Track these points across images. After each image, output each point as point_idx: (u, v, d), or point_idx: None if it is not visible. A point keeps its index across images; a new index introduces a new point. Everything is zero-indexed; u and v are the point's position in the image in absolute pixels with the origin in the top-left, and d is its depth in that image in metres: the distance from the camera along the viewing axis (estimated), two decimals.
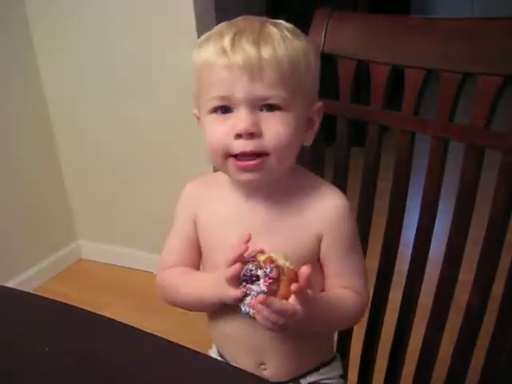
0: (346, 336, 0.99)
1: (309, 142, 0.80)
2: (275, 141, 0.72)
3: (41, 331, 0.75)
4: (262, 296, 0.68)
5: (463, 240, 0.81)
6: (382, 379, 0.95)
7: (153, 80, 1.91)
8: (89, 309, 0.76)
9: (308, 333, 0.81)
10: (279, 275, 0.69)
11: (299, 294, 0.67)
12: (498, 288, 0.78)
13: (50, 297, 0.80)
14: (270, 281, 0.69)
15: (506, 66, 0.73)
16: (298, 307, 0.68)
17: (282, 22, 0.76)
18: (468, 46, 0.76)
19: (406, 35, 0.84)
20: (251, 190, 0.79)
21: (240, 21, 0.75)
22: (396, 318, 0.91)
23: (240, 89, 0.70)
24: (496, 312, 0.78)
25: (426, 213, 0.85)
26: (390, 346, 0.93)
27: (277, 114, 0.72)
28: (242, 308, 0.72)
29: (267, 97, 0.71)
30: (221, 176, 0.82)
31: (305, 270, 0.68)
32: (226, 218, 0.81)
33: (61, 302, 0.78)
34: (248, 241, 0.70)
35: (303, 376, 0.86)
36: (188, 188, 0.87)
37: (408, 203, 0.88)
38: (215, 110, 0.74)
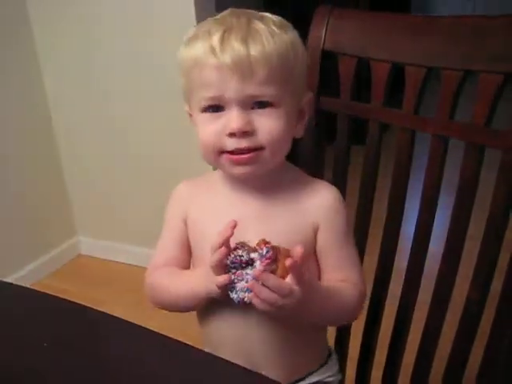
0: (344, 331, 0.99)
1: (300, 134, 0.80)
2: (268, 136, 0.73)
3: (39, 326, 0.75)
4: (258, 270, 0.67)
5: (462, 237, 0.82)
6: (380, 375, 0.96)
7: (153, 79, 1.91)
8: (87, 304, 0.76)
9: (300, 335, 0.81)
10: (276, 255, 0.69)
11: (295, 270, 0.67)
12: (497, 284, 0.78)
13: (49, 292, 0.80)
14: (268, 261, 0.68)
15: (506, 64, 0.73)
16: (295, 287, 0.68)
17: (267, 15, 0.76)
18: (468, 43, 0.76)
19: (407, 33, 0.84)
20: (243, 185, 0.79)
21: (227, 17, 0.75)
22: (395, 314, 0.92)
23: (231, 89, 0.71)
24: (495, 306, 0.78)
25: (425, 209, 0.85)
26: (389, 341, 0.94)
27: (268, 111, 0.73)
28: (235, 296, 0.71)
29: (258, 95, 0.71)
30: (212, 175, 0.83)
31: (298, 249, 0.68)
32: (217, 212, 0.81)
33: (59, 298, 0.78)
34: (234, 227, 0.70)
35: (300, 380, 0.85)
36: (178, 188, 0.87)
37: (408, 200, 0.88)
38: (207, 109, 0.74)
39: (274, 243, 0.70)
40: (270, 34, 0.71)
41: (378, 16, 0.89)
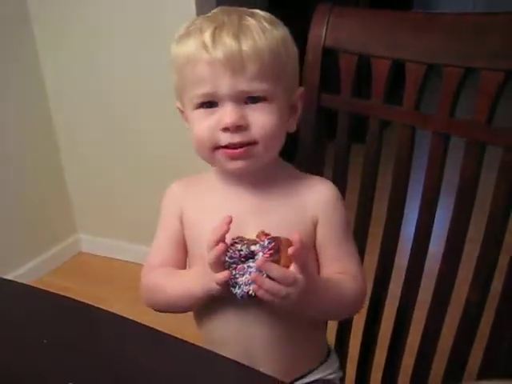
0: (344, 331, 0.99)
1: (293, 128, 0.80)
2: (261, 130, 0.73)
3: (39, 324, 0.75)
4: (262, 260, 0.67)
5: (462, 237, 0.81)
6: (380, 374, 0.95)
7: (154, 79, 1.91)
8: (88, 302, 0.76)
9: (300, 334, 0.81)
10: (279, 246, 0.68)
11: (298, 257, 0.67)
12: (497, 285, 0.78)
13: (50, 290, 0.80)
14: (271, 251, 0.68)
15: (507, 62, 0.73)
16: (299, 275, 0.68)
17: (258, 11, 0.77)
18: (469, 41, 0.76)
19: (408, 30, 0.83)
20: (238, 182, 0.80)
21: (218, 14, 0.75)
22: (395, 314, 0.91)
23: (224, 84, 0.71)
24: (494, 308, 0.78)
25: (425, 209, 0.85)
26: (389, 342, 0.93)
27: (261, 105, 0.73)
28: (238, 291, 0.70)
29: (251, 90, 0.72)
30: (206, 174, 0.83)
31: (296, 236, 0.67)
32: (213, 210, 0.80)
33: (60, 295, 0.78)
34: (229, 223, 0.70)
35: (298, 378, 0.85)
36: (171, 187, 0.87)
37: (408, 200, 0.88)
38: (201, 105, 0.75)
39: (274, 234, 0.70)
40: (261, 30, 0.72)
41: (379, 13, 0.89)
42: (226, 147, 0.74)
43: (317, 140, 0.95)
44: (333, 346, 0.96)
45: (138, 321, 0.71)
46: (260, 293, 0.68)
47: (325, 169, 0.97)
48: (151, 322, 0.70)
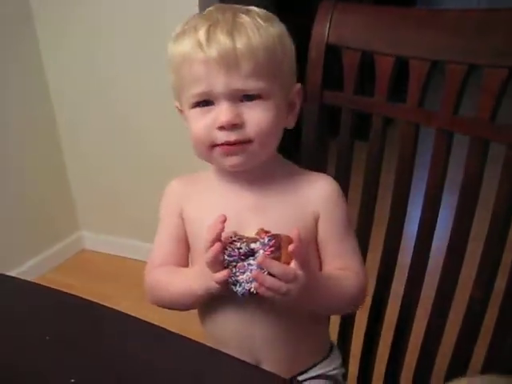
0: (347, 327, 0.99)
1: (291, 124, 0.81)
2: (257, 128, 0.73)
3: (41, 320, 0.75)
4: (262, 257, 0.67)
5: (466, 234, 0.81)
6: (383, 371, 0.95)
7: (155, 78, 1.91)
8: (91, 298, 0.76)
9: (302, 329, 0.81)
10: (279, 243, 0.68)
11: (298, 254, 0.67)
12: (501, 282, 0.78)
13: (53, 287, 0.80)
14: (272, 249, 0.68)
15: (511, 59, 0.72)
16: (300, 271, 0.68)
17: (253, 8, 0.77)
18: (473, 37, 0.76)
19: (411, 26, 0.83)
20: (237, 179, 0.79)
21: (213, 12, 0.75)
22: (398, 311, 0.91)
23: (219, 83, 0.71)
24: (498, 305, 0.78)
25: (429, 206, 0.85)
26: (392, 338, 0.93)
27: (257, 103, 0.73)
28: (239, 289, 0.70)
29: (246, 89, 0.72)
30: (205, 172, 0.83)
31: (295, 231, 0.67)
32: (212, 208, 0.80)
33: (62, 292, 0.78)
34: (224, 221, 0.69)
35: (302, 373, 0.85)
36: (173, 184, 0.87)
37: (411, 198, 0.88)
38: (197, 104, 0.75)
39: (274, 232, 0.69)
40: (255, 27, 0.72)
41: (382, 10, 0.89)
42: (222, 145, 0.74)
43: (319, 137, 0.95)
44: (336, 343, 0.96)
45: (144, 318, 0.71)
46: (261, 290, 0.68)
47: (328, 166, 0.96)
48: (157, 319, 0.70)
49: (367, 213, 0.92)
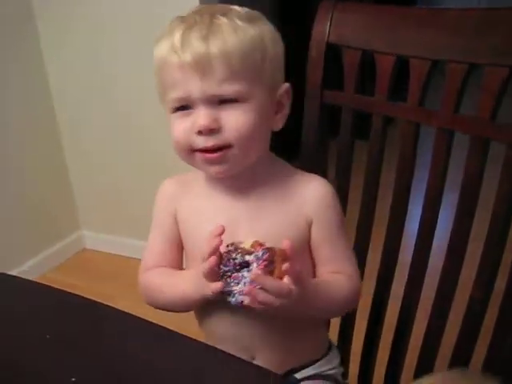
0: (347, 328, 0.99)
1: (278, 126, 0.79)
2: (235, 132, 0.72)
3: (42, 319, 0.75)
4: (255, 273, 0.67)
5: (466, 234, 0.81)
6: (383, 371, 0.95)
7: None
8: (91, 298, 0.76)
9: (299, 329, 0.81)
10: (273, 257, 0.68)
11: (292, 272, 0.67)
12: (501, 282, 0.78)
13: (53, 286, 0.80)
14: (265, 263, 0.68)
15: (511, 58, 0.72)
16: (293, 286, 0.68)
17: (235, 8, 0.75)
18: (474, 36, 0.75)
19: (412, 25, 0.83)
20: (230, 182, 0.79)
21: (191, 14, 0.74)
22: (398, 311, 0.91)
23: (194, 89, 0.71)
24: (498, 305, 0.78)
25: (429, 206, 0.84)
26: (392, 339, 0.93)
27: (236, 106, 0.72)
28: (232, 299, 0.70)
29: (221, 93, 0.71)
30: (194, 174, 0.83)
31: (286, 242, 0.67)
32: (207, 211, 0.80)
33: (63, 291, 0.79)
34: (221, 233, 0.69)
35: (298, 370, 0.85)
36: (164, 185, 0.86)
37: (411, 198, 0.87)
38: (177, 109, 0.74)
39: (269, 244, 0.69)
40: (232, 29, 0.70)
41: (383, 9, 0.89)
42: (202, 151, 0.73)
43: (320, 137, 0.95)
44: (336, 343, 0.96)
45: (144, 317, 0.72)
46: (253, 304, 0.68)
47: (328, 166, 0.96)
48: (157, 318, 0.71)
49: (367, 213, 0.92)
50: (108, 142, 2.13)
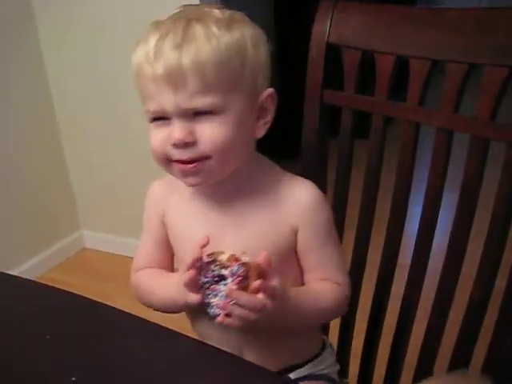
0: (347, 329, 0.99)
1: (261, 133, 0.76)
2: (211, 145, 0.70)
3: (42, 319, 0.75)
4: (229, 288, 0.67)
5: (466, 234, 0.81)
6: (384, 371, 0.95)
7: None
8: (91, 297, 0.76)
9: (287, 331, 0.80)
10: (247, 272, 0.68)
11: (265, 289, 0.67)
12: (502, 281, 0.78)
13: (53, 286, 0.80)
14: (240, 278, 0.68)
15: (511, 58, 0.72)
16: (268, 301, 0.67)
17: (213, 12, 0.72)
18: (474, 36, 0.75)
19: (412, 25, 0.83)
20: (212, 189, 0.78)
21: (166, 20, 0.73)
22: (398, 311, 0.91)
23: (168, 102, 0.69)
24: (498, 304, 0.78)
25: (429, 206, 0.84)
26: (392, 340, 0.93)
27: (212, 118, 0.70)
28: (211, 311, 0.70)
29: (194, 107, 0.69)
30: None
31: (262, 257, 0.67)
32: (192, 215, 0.80)
33: (63, 291, 0.79)
34: (206, 245, 0.69)
35: (291, 370, 0.85)
36: (155, 185, 0.86)
37: (412, 196, 0.87)
38: (154, 119, 0.73)
39: (245, 258, 0.69)
40: (206, 38, 0.68)
41: (383, 9, 0.88)
42: (178, 162, 0.72)
43: (320, 137, 0.95)
44: (336, 343, 0.95)
45: (144, 317, 0.72)
46: (227, 321, 0.68)
47: (328, 166, 0.96)
48: (157, 318, 0.71)
49: (367, 213, 0.92)
50: (108, 142, 2.13)
